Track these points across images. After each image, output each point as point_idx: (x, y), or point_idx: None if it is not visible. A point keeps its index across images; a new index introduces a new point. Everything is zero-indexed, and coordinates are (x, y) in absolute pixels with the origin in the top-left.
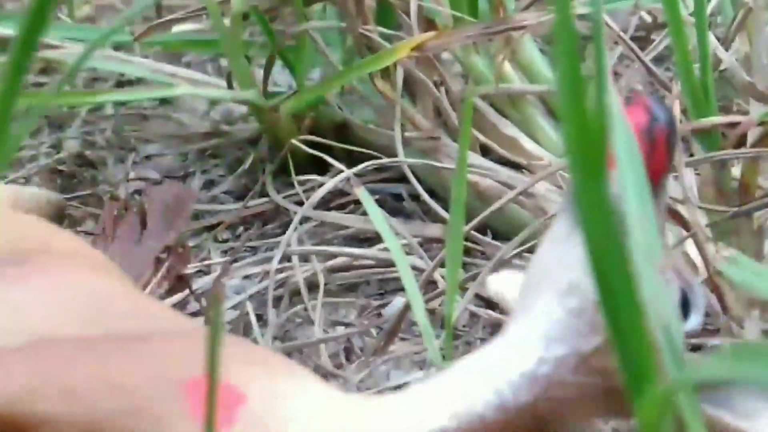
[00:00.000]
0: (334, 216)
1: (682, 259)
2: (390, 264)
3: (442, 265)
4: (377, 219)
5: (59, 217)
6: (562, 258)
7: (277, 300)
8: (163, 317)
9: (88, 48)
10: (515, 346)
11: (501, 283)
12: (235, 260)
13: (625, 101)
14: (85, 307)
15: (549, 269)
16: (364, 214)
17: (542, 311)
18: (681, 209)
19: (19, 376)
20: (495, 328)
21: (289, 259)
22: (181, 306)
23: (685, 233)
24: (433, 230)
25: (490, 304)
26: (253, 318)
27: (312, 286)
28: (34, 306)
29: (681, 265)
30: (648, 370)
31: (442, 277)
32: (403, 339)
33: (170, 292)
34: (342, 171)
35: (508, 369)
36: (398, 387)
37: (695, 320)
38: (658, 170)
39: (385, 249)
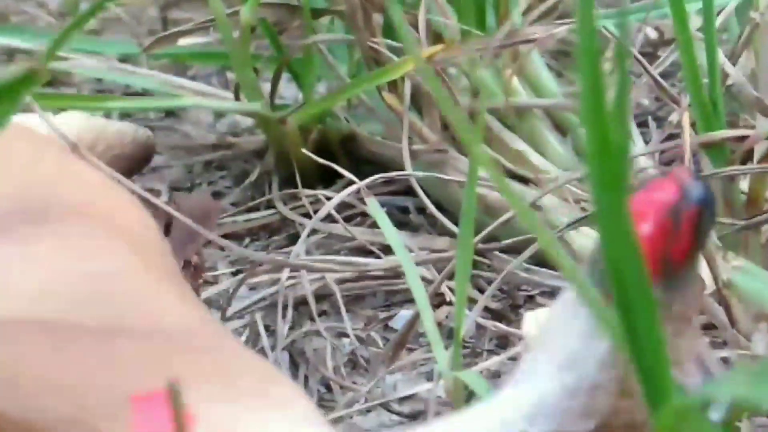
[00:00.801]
0: (341, 228)
1: (707, 348)
2: (396, 276)
3: (449, 277)
4: (388, 231)
5: (146, 155)
6: (566, 327)
7: (285, 310)
8: (165, 309)
9: None
10: (502, 412)
11: (534, 322)
12: (241, 271)
13: (660, 174)
14: (80, 287)
15: (554, 336)
16: (371, 226)
17: (538, 381)
18: None
19: None
20: (501, 340)
21: (296, 270)
22: None
23: None
24: (440, 243)
25: (497, 316)
26: (261, 329)
27: (319, 297)
28: (28, 275)
29: (705, 355)
30: (665, 385)
31: (450, 289)
32: (410, 350)
33: None
34: (351, 183)
35: None
36: (405, 398)
37: (715, 415)
38: (679, 255)
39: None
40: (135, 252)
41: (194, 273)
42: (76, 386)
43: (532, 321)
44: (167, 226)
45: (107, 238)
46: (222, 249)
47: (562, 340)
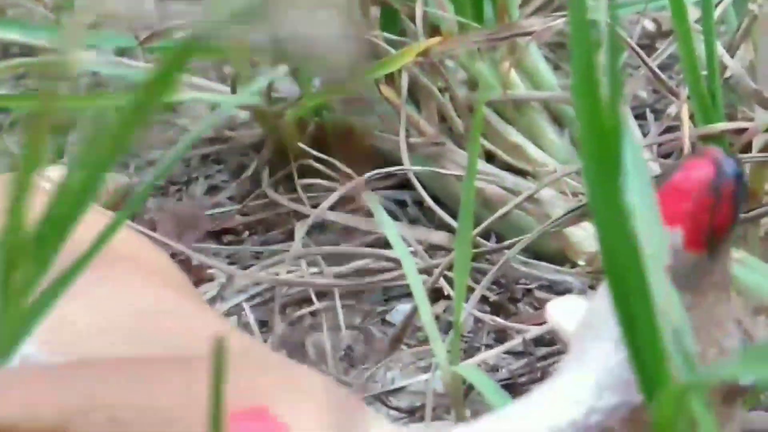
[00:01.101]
0: (340, 216)
1: (746, 307)
2: (394, 269)
3: (447, 270)
4: (386, 225)
5: (124, 199)
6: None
7: (282, 305)
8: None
9: None
10: (566, 393)
11: (560, 312)
12: (234, 263)
13: (692, 153)
14: (140, 324)
15: (606, 315)
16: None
17: (596, 359)
18: None
19: (71, 396)
20: (499, 333)
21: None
22: None
23: None
24: (438, 237)
25: (495, 310)
26: (257, 322)
27: (316, 292)
28: (95, 317)
29: (743, 315)
30: (661, 372)
31: (448, 282)
32: (407, 344)
33: None
34: (347, 175)
35: (557, 416)
36: (403, 392)
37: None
38: (721, 226)
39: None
40: (169, 286)
41: (197, 273)
42: (173, 412)
43: (557, 309)
44: (152, 227)
45: (144, 277)
46: (220, 242)
47: (615, 320)
